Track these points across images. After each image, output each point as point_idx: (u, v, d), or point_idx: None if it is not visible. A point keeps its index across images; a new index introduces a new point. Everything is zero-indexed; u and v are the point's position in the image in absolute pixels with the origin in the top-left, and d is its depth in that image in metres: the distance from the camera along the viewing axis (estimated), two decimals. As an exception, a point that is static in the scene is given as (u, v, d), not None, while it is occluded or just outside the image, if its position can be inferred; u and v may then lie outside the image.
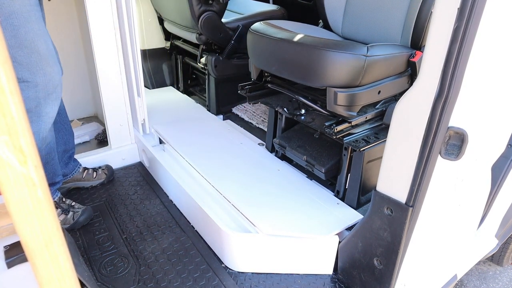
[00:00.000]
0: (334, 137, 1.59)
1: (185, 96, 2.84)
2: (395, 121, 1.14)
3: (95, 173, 2.02)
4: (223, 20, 2.32)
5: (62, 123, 1.81)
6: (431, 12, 1.54)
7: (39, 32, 1.37)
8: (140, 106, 2.18)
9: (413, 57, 1.59)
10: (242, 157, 2.03)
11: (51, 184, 1.71)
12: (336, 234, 1.51)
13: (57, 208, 1.71)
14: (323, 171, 1.71)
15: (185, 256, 1.60)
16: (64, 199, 1.76)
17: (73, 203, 1.77)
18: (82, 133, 2.46)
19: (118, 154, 2.22)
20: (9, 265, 0.94)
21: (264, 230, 1.50)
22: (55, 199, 1.73)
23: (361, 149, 1.56)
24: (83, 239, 1.68)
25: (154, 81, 2.97)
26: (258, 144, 2.18)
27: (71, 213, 1.72)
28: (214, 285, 1.48)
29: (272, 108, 1.93)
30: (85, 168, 2.01)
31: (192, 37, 2.42)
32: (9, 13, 1.27)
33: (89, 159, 2.12)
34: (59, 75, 1.49)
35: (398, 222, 1.19)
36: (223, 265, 1.57)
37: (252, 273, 1.55)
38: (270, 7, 2.56)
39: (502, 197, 1.55)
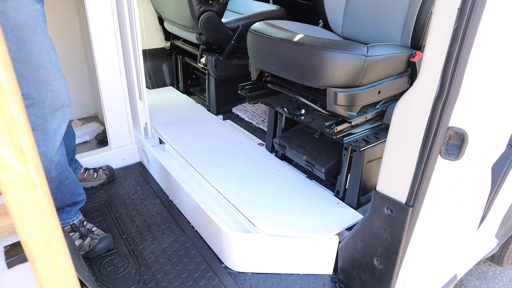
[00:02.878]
0: (334, 137, 1.59)
1: (185, 96, 2.84)
2: (395, 121, 1.14)
3: (95, 173, 2.02)
4: (223, 20, 2.32)
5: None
6: (431, 12, 1.54)
7: (45, 45, 1.29)
8: (142, 110, 2.15)
9: (413, 57, 1.59)
10: (242, 157, 2.03)
11: (70, 205, 1.60)
12: (336, 234, 1.51)
13: (75, 231, 1.60)
14: (323, 171, 1.71)
15: (185, 256, 1.60)
16: (84, 223, 1.65)
17: (94, 228, 1.64)
18: (82, 133, 2.46)
19: (118, 154, 2.22)
20: (9, 265, 0.94)
21: (264, 230, 1.50)
22: (75, 221, 1.62)
23: (361, 149, 1.56)
24: (83, 239, 1.68)
25: (154, 81, 2.97)
26: (258, 144, 2.18)
27: (88, 239, 1.58)
28: (214, 285, 1.48)
29: (272, 108, 1.93)
30: (86, 169, 2.01)
31: (192, 37, 2.42)
32: (15, 25, 1.18)
33: (89, 159, 2.12)
34: (67, 90, 1.41)
35: (398, 222, 1.19)
36: (223, 265, 1.57)
37: (252, 273, 1.55)
38: (270, 7, 2.56)
39: (502, 197, 1.55)
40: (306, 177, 1.88)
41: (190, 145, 2.12)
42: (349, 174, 1.69)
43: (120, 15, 1.91)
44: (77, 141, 2.35)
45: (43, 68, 1.29)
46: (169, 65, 2.99)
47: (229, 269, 1.56)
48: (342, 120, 1.61)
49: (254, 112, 2.53)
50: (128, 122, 2.20)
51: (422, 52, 1.24)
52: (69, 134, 1.83)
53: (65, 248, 0.56)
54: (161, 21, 2.79)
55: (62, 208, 1.58)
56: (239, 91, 1.96)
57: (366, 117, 1.64)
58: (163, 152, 2.15)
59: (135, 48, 1.96)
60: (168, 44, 2.86)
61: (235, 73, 2.49)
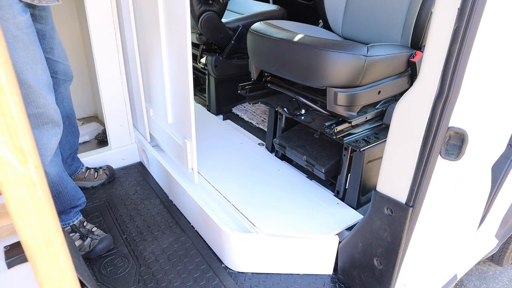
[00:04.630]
0: (334, 137, 1.59)
1: (185, 96, 2.84)
2: (395, 121, 1.14)
3: (96, 173, 2.02)
4: (223, 20, 2.32)
5: (71, 125, 1.78)
6: (431, 12, 1.54)
7: (27, 60, 1.23)
8: (190, 152, 1.76)
9: (413, 57, 1.59)
10: (242, 157, 2.03)
11: (71, 208, 1.60)
12: (336, 234, 1.51)
13: (75, 232, 1.60)
14: (323, 171, 1.71)
15: (185, 256, 1.60)
16: (85, 223, 1.65)
17: (94, 229, 1.64)
18: (82, 133, 2.45)
19: (118, 154, 2.22)
20: (9, 265, 0.94)
21: (264, 230, 1.50)
22: (75, 222, 1.62)
23: (361, 149, 1.56)
24: (83, 239, 1.68)
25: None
26: (258, 144, 2.18)
27: (88, 239, 1.58)
28: (214, 285, 1.48)
29: (272, 108, 1.93)
30: (87, 168, 2.01)
31: (192, 37, 2.42)
32: None
33: (89, 159, 2.12)
34: (55, 105, 1.37)
35: (398, 222, 1.19)
36: (223, 265, 1.57)
37: (252, 273, 1.55)
38: (270, 7, 2.56)
39: (502, 197, 1.55)
40: (306, 177, 1.88)
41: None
42: (349, 174, 1.69)
43: (120, 15, 1.91)
44: (78, 140, 2.35)
45: (25, 85, 1.25)
46: (169, 65, 2.99)
47: (229, 269, 1.56)
48: (342, 120, 1.61)
49: (254, 112, 2.53)
50: (128, 122, 2.20)
51: (422, 52, 1.24)
52: (74, 134, 1.83)
53: (65, 248, 0.56)
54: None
55: (62, 211, 1.58)
56: (239, 91, 1.96)
57: (366, 117, 1.64)
58: (163, 152, 2.15)
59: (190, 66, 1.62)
60: (168, 44, 2.86)
61: (235, 73, 2.49)
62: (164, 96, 1.83)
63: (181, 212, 1.86)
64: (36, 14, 1.38)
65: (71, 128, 1.79)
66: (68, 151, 1.82)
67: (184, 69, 1.60)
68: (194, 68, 2.80)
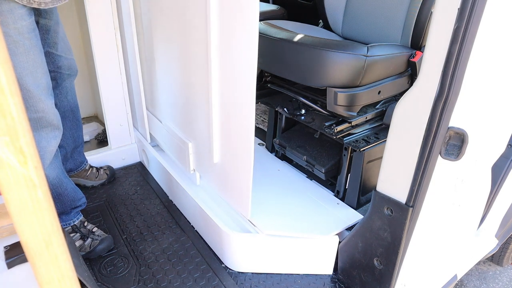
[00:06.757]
0: (334, 137, 1.59)
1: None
2: (395, 121, 1.14)
3: (97, 172, 2.02)
4: (223, 20, 2.32)
5: (75, 119, 1.78)
6: (431, 12, 1.54)
7: (28, 65, 1.23)
8: (192, 153, 1.76)
9: (413, 57, 1.59)
10: (242, 157, 2.03)
11: (72, 209, 1.60)
12: (336, 234, 1.51)
13: (75, 232, 1.60)
14: (323, 171, 1.71)
15: (185, 256, 1.60)
16: (85, 224, 1.64)
17: (94, 229, 1.64)
18: (82, 133, 2.46)
19: (118, 154, 2.22)
20: (9, 265, 0.94)
21: (264, 230, 1.50)
22: (76, 222, 1.62)
23: (361, 149, 1.56)
24: (83, 239, 1.68)
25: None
26: (258, 144, 2.18)
27: (89, 240, 1.58)
28: (214, 285, 1.48)
29: (272, 108, 1.93)
30: (90, 166, 2.01)
31: (192, 37, 2.41)
32: None
33: (89, 159, 2.11)
34: (54, 110, 1.37)
35: (398, 222, 1.19)
36: (223, 265, 1.58)
37: (252, 273, 1.55)
38: (270, 7, 2.56)
39: (502, 197, 1.55)
40: (306, 177, 1.88)
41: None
42: (349, 174, 1.69)
43: (120, 15, 1.91)
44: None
45: (24, 90, 1.25)
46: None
47: (229, 269, 1.56)
48: (342, 120, 1.61)
49: (254, 112, 2.53)
50: (128, 122, 2.20)
51: (422, 52, 1.24)
52: (78, 127, 1.83)
53: (65, 249, 0.56)
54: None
55: (62, 212, 1.58)
56: (239, 91, 1.96)
57: (366, 117, 1.64)
58: (163, 152, 2.15)
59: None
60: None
61: (235, 73, 2.48)
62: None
63: (181, 212, 1.86)
64: (41, 9, 1.38)
65: (75, 122, 1.79)
66: (72, 145, 1.83)
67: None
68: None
